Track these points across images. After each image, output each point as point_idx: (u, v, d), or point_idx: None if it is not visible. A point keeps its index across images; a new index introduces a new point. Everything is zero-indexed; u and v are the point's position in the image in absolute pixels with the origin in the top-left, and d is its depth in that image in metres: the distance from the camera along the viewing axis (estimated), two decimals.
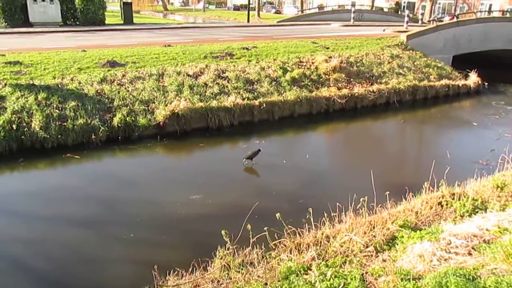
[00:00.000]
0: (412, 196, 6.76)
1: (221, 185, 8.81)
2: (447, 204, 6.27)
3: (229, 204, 7.78)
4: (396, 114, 15.56)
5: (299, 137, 13.04)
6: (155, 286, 4.90)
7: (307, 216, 5.75)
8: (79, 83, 12.42)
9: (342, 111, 14.84)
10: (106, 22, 26.76)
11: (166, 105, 12.10)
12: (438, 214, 6.11)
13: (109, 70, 13.53)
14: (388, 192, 6.36)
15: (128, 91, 12.52)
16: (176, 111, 11.84)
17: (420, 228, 5.62)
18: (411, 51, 19.44)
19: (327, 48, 18.37)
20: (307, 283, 4.47)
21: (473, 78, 18.05)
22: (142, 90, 12.65)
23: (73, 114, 11.03)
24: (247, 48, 17.17)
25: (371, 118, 14.99)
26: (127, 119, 11.39)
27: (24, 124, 10.40)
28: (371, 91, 15.61)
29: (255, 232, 5.43)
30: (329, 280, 4.39)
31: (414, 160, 11.38)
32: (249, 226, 5.32)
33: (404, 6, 51.66)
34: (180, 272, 5.08)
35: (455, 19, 22.46)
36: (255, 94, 13.80)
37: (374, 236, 5.40)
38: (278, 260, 5.17)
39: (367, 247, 5.21)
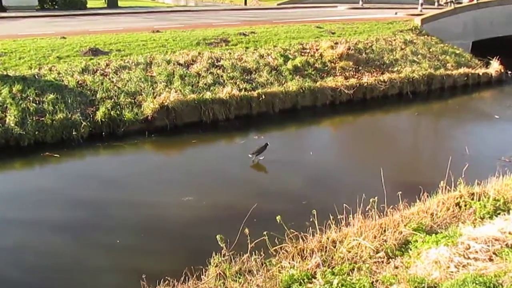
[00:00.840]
0: (427, 196, 6.77)
1: (216, 186, 8.80)
2: (465, 205, 6.30)
3: (225, 206, 7.81)
4: (409, 106, 15.51)
5: (302, 132, 12.99)
6: None
7: (311, 219, 5.75)
8: (58, 73, 12.34)
9: (349, 102, 14.80)
10: (88, 5, 26.51)
11: (155, 98, 12.07)
12: (455, 216, 6.14)
13: (91, 59, 13.48)
14: (400, 192, 6.35)
15: (112, 82, 12.49)
16: (166, 103, 11.81)
17: (436, 231, 5.63)
18: (426, 36, 19.36)
19: (333, 33, 18.35)
20: None
21: (495, 66, 18.04)
22: (128, 81, 12.60)
23: (51, 108, 10.98)
24: (244, 34, 16.81)
25: (382, 111, 14.96)
26: (112, 113, 11.36)
27: None
28: (381, 80, 15.57)
29: (253, 236, 5.44)
30: None
31: (429, 156, 11.38)
32: (247, 230, 5.38)
33: None
34: (171, 282, 5.06)
35: (475, 1, 22.28)
36: (253, 84, 13.75)
37: (385, 241, 5.40)
38: (279, 267, 5.17)
39: (377, 252, 5.21)
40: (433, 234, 5.45)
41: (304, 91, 14.05)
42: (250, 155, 9.83)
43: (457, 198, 6.42)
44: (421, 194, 6.73)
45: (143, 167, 9.80)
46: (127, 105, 11.73)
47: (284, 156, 10.38)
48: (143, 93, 12.28)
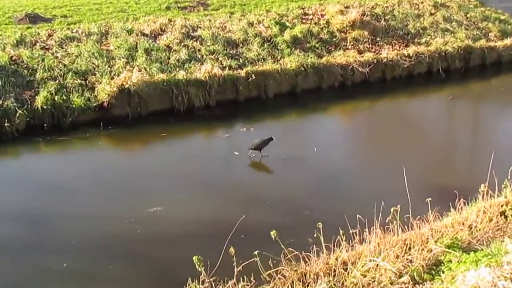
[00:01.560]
0: (464, 203, 6.79)
1: (192, 192, 8.81)
2: None
3: (204, 219, 7.87)
4: (441, 88, 15.56)
5: (303, 122, 13.01)
6: None
7: (315, 234, 5.73)
8: None
9: (364, 84, 14.78)
10: None
11: (112, 78, 12.03)
12: (500, 228, 6.12)
13: (28, 28, 13.35)
14: (429, 199, 6.34)
15: (56, 58, 12.37)
16: (127, 86, 11.77)
17: (475, 248, 5.60)
18: None
19: None
20: None
21: None
22: (77, 56, 12.51)
23: None
24: None
25: (406, 94, 14.96)
26: (56, 98, 11.26)
27: None
28: (405, 55, 15.57)
29: (241, 257, 5.40)
30: None
31: (467, 153, 11.46)
32: (232, 250, 5.30)
33: None
34: None
35: None
36: (240, 61, 13.70)
37: (411, 261, 5.37)
38: None
39: (400, 276, 5.16)
40: (472, 252, 5.37)
41: (306, 69, 14.03)
42: (249, 152, 9.98)
43: (502, 206, 6.40)
44: (456, 201, 6.74)
45: (97, 168, 9.72)
46: (76, 88, 11.64)
47: (281, 154, 10.37)
48: (97, 72, 12.23)
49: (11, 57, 12.15)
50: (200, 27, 14.55)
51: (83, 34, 13.39)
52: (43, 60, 12.22)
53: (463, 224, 6.22)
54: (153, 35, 13.89)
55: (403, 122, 13.09)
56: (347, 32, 15.87)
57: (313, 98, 13.93)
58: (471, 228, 6.13)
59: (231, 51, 14.00)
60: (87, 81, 12.05)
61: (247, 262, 5.35)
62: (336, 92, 14.41)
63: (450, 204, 6.70)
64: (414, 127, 12.69)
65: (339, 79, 14.64)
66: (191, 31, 14.32)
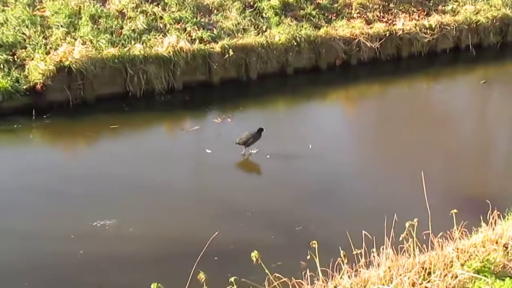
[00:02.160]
0: (498, 216, 6.79)
1: (151, 201, 8.83)
2: None
3: (166, 235, 7.87)
4: (471, 69, 15.73)
5: (295, 112, 13.07)
6: None
7: (309, 256, 5.73)
8: None
9: (374, 63, 14.93)
10: None
11: (48, 53, 11.97)
12: None
13: None
14: (454, 210, 6.35)
15: None
16: (67, 63, 11.71)
17: None
18: None
19: None
20: None
21: None
22: (2, 25, 12.41)
23: None
24: None
25: (426, 76, 15.09)
26: None
27: None
28: (426, 26, 15.71)
29: (213, 285, 5.36)
30: None
31: (502, 152, 11.59)
32: (202, 276, 5.30)
33: None
34: None
35: None
36: (215, 32, 13.72)
37: None
38: None
39: None
40: (507, 279, 5.44)
41: (299, 43, 14.08)
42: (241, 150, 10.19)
43: None
44: (488, 214, 6.73)
45: (27, 170, 9.64)
46: (1, 66, 11.53)
47: (266, 151, 10.47)
48: (28, 45, 12.13)
49: None
50: None
51: None
52: None
53: (496, 242, 6.12)
54: None
55: (422, 113, 13.10)
56: None
57: (308, 80, 13.98)
58: (506, 248, 5.98)
59: (202, 20, 13.99)
60: (15, 56, 11.92)
61: None
62: (337, 73, 14.49)
63: (481, 217, 6.62)
64: (436, 120, 12.74)
65: (341, 56, 14.71)
66: None
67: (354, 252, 5.85)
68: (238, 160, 10.20)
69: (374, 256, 5.86)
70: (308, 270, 5.70)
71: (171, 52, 12.67)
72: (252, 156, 10.35)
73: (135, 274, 6.94)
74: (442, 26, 15.95)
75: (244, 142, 10.13)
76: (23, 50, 12.07)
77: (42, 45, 12.20)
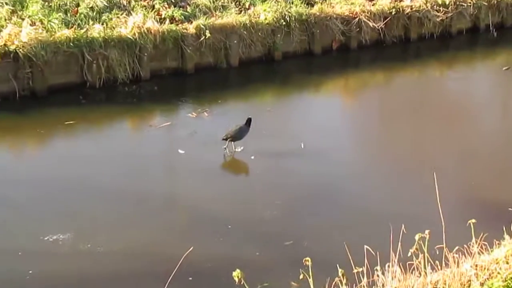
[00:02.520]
0: None
1: (114, 211, 8.83)
2: None
3: (132, 252, 7.80)
4: (492, 53, 15.83)
5: (285, 105, 13.10)
6: None
7: (301, 275, 5.70)
8: None
9: (377, 46, 15.05)
10: None
11: None
12: None
13: None
14: (472, 220, 6.33)
15: None
16: (13, 48, 11.64)
17: None
18: None
19: None
20: None
21: None
22: None
23: None
24: None
25: (439, 62, 15.20)
26: None
27: None
28: (439, 3, 15.79)
29: None
30: None
31: None
32: None
33: None
34: None
35: None
36: (189, 10, 13.72)
37: None
38: None
39: None
40: None
41: (288, 23, 14.10)
42: (225, 147, 10.25)
43: None
44: None
45: None
46: None
47: (251, 151, 10.51)
48: None
49: None
50: None
51: None
52: None
53: None
54: None
55: (435, 106, 13.12)
56: None
57: (299, 67, 14.01)
58: None
59: None
60: None
61: None
62: (334, 59, 14.54)
63: (504, 228, 6.57)
64: (451, 113, 12.76)
65: (338, 38, 14.75)
66: None
67: (355, 271, 5.72)
68: (216, 161, 10.21)
69: (378, 275, 5.79)
70: None
71: (137, 34, 12.61)
72: (234, 157, 10.36)
73: None
74: (457, 3, 16.00)
75: (233, 136, 10.19)
76: None
77: None
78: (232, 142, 10.29)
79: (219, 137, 10.26)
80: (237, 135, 10.23)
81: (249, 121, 10.34)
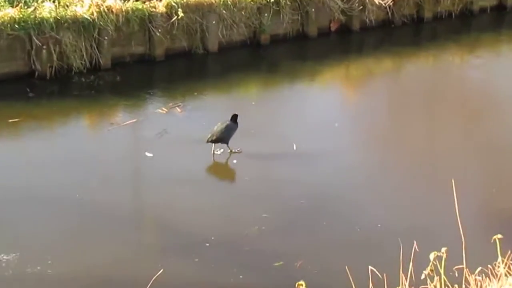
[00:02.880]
0: None
1: (66, 226, 8.72)
2: None
3: (88, 274, 7.71)
4: None
5: (272, 98, 13.08)
6: None
7: None
8: None
9: (384, 28, 15.10)
10: None
11: None
12: None
13: None
14: (498, 236, 6.30)
15: None
16: None
17: None
18: None
19: None
20: None
21: None
22: None
23: None
24: None
25: (458, 46, 15.19)
26: None
27: None
28: None
29: None
30: None
31: None
32: None
33: None
34: None
35: None
36: None
37: None
38: None
39: None
40: None
41: (277, 0, 14.03)
42: (212, 149, 10.23)
43: None
44: None
45: None
46: None
47: (232, 154, 10.52)
48: None
49: None
50: None
51: None
52: None
53: None
54: None
55: (453, 98, 13.17)
56: None
57: (290, 53, 14.04)
58: None
59: None
60: None
61: None
62: (332, 43, 14.61)
63: None
64: (473, 108, 12.88)
65: (338, 18, 14.78)
66: None
67: None
68: (192, 167, 10.08)
69: None
70: None
71: (95, 14, 12.57)
72: (213, 161, 10.33)
73: None
74: None
75: (220, 138, 10.15)
76: None
77: None
78: (214, 144, 10.26)
79: (195, 137, 10.26)
80: (225, 135, 10.21)
81: (234, 117, 10.36)
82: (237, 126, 10.34)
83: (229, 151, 10.31)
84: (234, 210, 9.35)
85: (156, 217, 9.22)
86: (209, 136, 10.17)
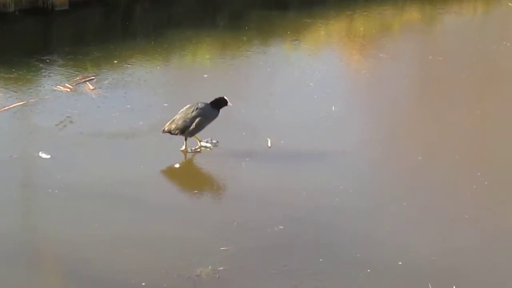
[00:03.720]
0: None
1: None
2: None
3: None
4: None
5: (235, 67, 13.46)
6: None
7: None
8: None
9: None
10: None
11: None
12: None
13: None
14: None
15: None
16: None
17: None
18: None
19: None
20: None
21: None
22: None
23: None
24: None
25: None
26: None
27: None
28: None
29: None
30: None
31: None
32: None
33: None
34: None
35: None
36: None
37: None
38: None
39: None
40: None
41: None
42: (187, 146, 10.81)
43: None
44: None
45: None
46: None
47: (175, 154, 10.84)
48: None
49: None
50: None
51: None
52: None
53: None
54: None
55: (474, 73, 13.77)
56: None
57: (275, 3, 13.40)
58: None
59: None
60: None
61: None
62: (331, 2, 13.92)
63: None
64: (498, 82, 13.26)
65: None
66: None
67: None
68: (110, 176, 9.90)
69: None
70: None
71: None
72: (142, 166, 10.24)
73: None
74: None
75: (182, 128, 10.40)
76: None
77: None
78: (184, 136, 10.42)
79: (115, 128, 10.32)
80: (191, 126, 10.38)
81: (218, 102, 10.74)
82: (217, 115, 10.49)
83: (197, 147, 10.64)
84: (177, 241, 8.99)
85: (55, 255, 8.79)
86: (168, 124, 10.35)
